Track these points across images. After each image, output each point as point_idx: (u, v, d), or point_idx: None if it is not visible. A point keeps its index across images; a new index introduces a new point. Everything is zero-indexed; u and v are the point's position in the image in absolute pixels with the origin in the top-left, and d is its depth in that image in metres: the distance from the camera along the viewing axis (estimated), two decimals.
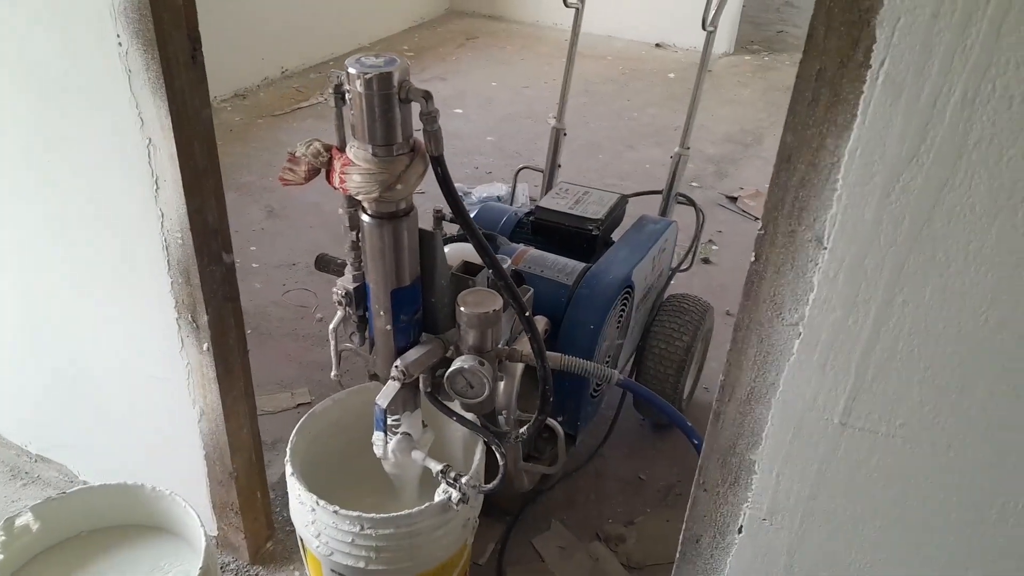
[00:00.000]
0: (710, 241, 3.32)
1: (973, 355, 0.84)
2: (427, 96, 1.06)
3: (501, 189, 3.43)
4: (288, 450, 1.41)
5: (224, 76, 4.39)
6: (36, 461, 1.94)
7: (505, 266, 1.54)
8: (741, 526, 1.08)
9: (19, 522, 1.27)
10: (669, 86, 5.02)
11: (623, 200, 2.02)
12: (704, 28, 1.96)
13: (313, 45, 4.99)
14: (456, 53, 5.61)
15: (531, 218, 1.98)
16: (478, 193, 3.41)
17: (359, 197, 1.15)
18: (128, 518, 1.36)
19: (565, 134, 2.37)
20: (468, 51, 5.69)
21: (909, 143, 0.77)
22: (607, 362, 1.79)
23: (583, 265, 1.74)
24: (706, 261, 3.16)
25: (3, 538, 1.25)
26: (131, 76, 1.20)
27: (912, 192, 0.79)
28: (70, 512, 1.32)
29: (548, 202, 1.97)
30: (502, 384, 1.51)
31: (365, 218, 1.18)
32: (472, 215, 2.07)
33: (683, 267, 2.21)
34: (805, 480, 1.00)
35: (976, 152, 0.75)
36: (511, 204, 2.70)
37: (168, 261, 1.37)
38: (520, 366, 1.46)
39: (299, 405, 2.24)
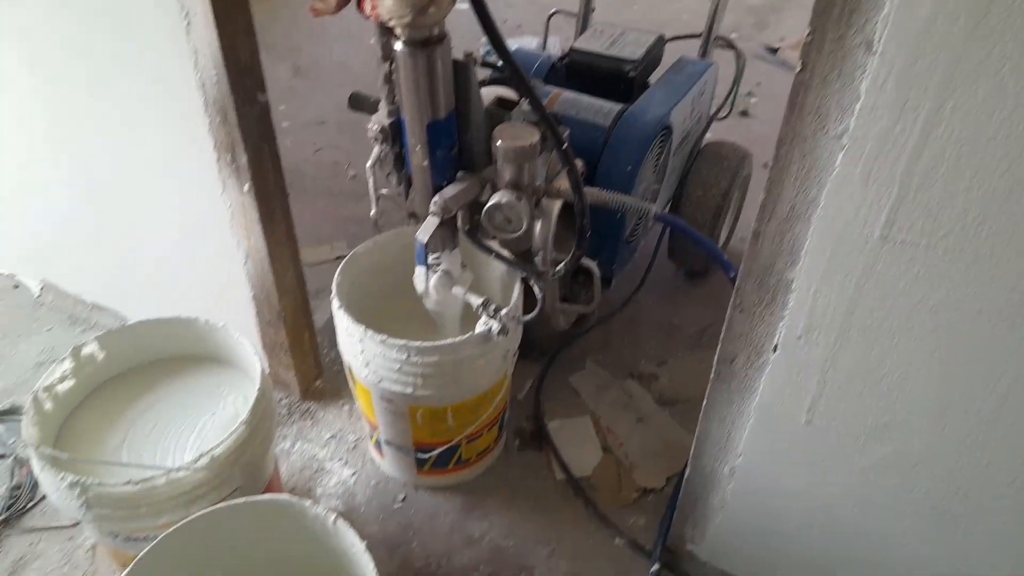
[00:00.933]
0: (749, 93, 3.22)
1: (1023, 157, 0.82)
2: None
3: (532, 43, 3.32)
4: (333, 287, 1.46)
5: None
6: (92, 309, 2.04)
7: None
8: (776, 345, 1.11)
9: (86, 351, 1.34)
10: None
11: (661, 41, 1.95)
12: None
13: None
14: None
15: (565, 61, 1.93)
16: (508, 46, 3.30)
17: (391, 23, 1.13)
18: (185, 349, 1.43)
19: None
20: None
21: None
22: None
23: (620, 106, 1.71)
24: (744, 114, 3.08)
25: (72, 365, 1.33)
26: None
27: None
28: (131, 342, 1.40)
29: (583, 43, 1.91)
30: (539, 224, 1.53)
31: (398, 46, 1.17)
32: None
33: (722, 114, 2.15)
34: (843, 296, 1.02)
35: None
36: (543, 49, 2.61)
37: (205, 100, 1.37)
38: (557, 205, 1.46)
39: (338, 257, 2.29)
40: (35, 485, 1.63)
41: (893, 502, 1.18)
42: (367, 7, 1.14)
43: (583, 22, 2.26)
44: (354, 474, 1.68)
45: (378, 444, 1.62)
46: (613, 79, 1.85)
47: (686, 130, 1.90)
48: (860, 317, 1.02)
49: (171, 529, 1.07)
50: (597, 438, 1.75)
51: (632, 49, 1.88)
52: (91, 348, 1.35)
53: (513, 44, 3.34)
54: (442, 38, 1.17)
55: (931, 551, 1.20)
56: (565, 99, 1.74)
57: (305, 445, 1.74)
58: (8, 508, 1.60)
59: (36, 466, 1.18)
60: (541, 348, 1.90)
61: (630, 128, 1.65)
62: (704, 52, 2.08)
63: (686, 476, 1.38)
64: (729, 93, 2.15)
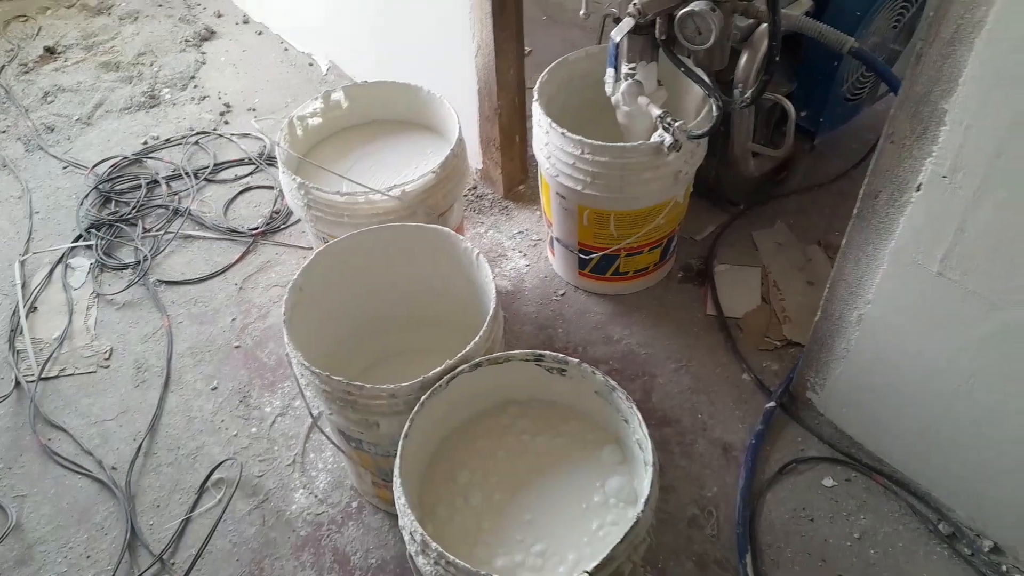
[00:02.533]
0: None
1: None
2: None
3: None
4: (538, 83, 1.62)
5: None
6: None
7: None
8: (920, 184, 1.10)
9: (334, 97, 1.65)
10: None
11: None
12: None
13: None
14: None
15: None
16: None
17: None
18: (409, 115, 1.69)
19: None
20: None
21: None
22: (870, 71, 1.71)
23: None
24: None
25: (321, 105, 1.65)
26: None
27: None
28: (369, 98, 1.68)
29: None
30: (744, 56, 1.55)
31: None
32: None
33: None
34: (994, 136, 0.98)
35: None
36: None
37: None
38: (765, 41, 1.47)
39: None
40: (289, 213, 2.05)
41: (1009, 377, 1.14)
42: None
43: None
44: (528, 265, 1.90)
45: (552, 243, 1.80)
46: None
47: None
48: (1008, 162, 0.98)
49: (349, 234, 1.34)
50: (760, 289, 1.79)
51: None
52: (338, 95, 1.66)
53: None
54: None
55: None
56: None
57: (496, 234, 1.98)
58: (268, 224, 2.04)
59: (281, 169, 1.52)
60: (731, 197, 1.93)
61: None
62: None
63: (816, 319, 1.40)
64: None
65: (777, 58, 1.33)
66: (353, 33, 2.26)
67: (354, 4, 2.15)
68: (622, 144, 1.47)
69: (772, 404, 1.54)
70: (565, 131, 1.50)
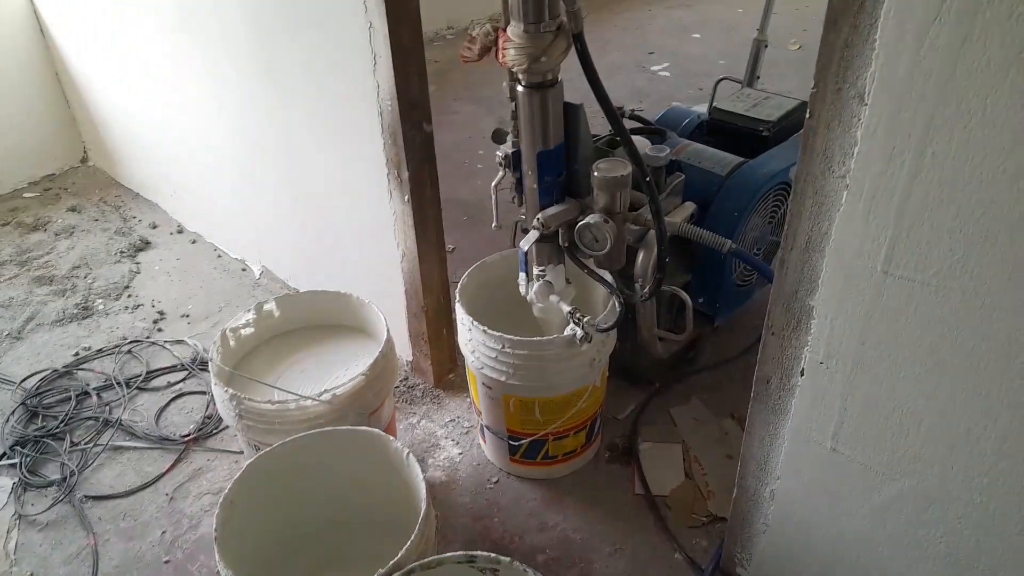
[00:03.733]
0: None
1: (995, 205, 0.92)
2: None
3: (701, 108, 3.48)
4: (459, 285, 1.75)
5: (481, 1, 4.83)
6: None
7: (663, 155, 1.74)
8: (803, 369, 1.22)
9: (266, 307, 1.74)
10: None
11: (803, 106, 2.07)
12: None
13: None
14: None
15: (707, 119, 2.11)
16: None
17: (512, 68, 1.41)
18: (338, 319, 1.79)
19: (767, 46, 2.42)
20: None
21: (933, 2, 0.87)
22: (756, 253, 1.91)
23: (739, 159, 1.86)
24: None
25: (254, 316, 1.73)
26: None
27: (938, 48, 0.89)
28: (301, 306, 1.78)
29: (725, 104, 2.09)
30: (641, 254, 1.72)
31: (519, 88, 1.44)
32: (660, 116, 2.26)
33: None
34: (855, 326, 1.12)
35: (990, 9, 0.83)
36: (710, 108, 2.79)
37: (382, 125, 1.74)
38: (655, 238, 1.65)
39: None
40: (220, 419, 2.07)
41: (910, 544, 1.22)
42: (500, 55, 1.44)
43: (749, 84, 2.43)
44: (461, 453, 1.94)
45: (482, 430, 1.87)
46: (747, 138, 2.00)
47: None
48: (871, 349, 1.12)
49: (280, 442, 1.38)
50: (683, 465, 1.86)
51: (770, 111, 2.02)
52: (270, 306, 1.75)
53: (701, 108, 3.54)
54: (554, 83, 1.43)
55: None
56: (691, 150, 1.92)
57: (429, 424, 2.03)
58: (199, 430, 2.04)
59: (213, 381, 1.57)
60: (647, 376, 2.05)
61: (744, 179, 1.80)
62: None
63: (734, 495, 1.48)
64: None
65: (667, 260, 1.49)
66: (284, 240, 2.39)
67: (284, 214, 2.30)
68: (539, 339, 1.59)
69: None
70: (486, 328, 1.61)
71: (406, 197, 1.81)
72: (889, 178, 0.99)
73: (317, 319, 1.81)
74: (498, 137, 1.74)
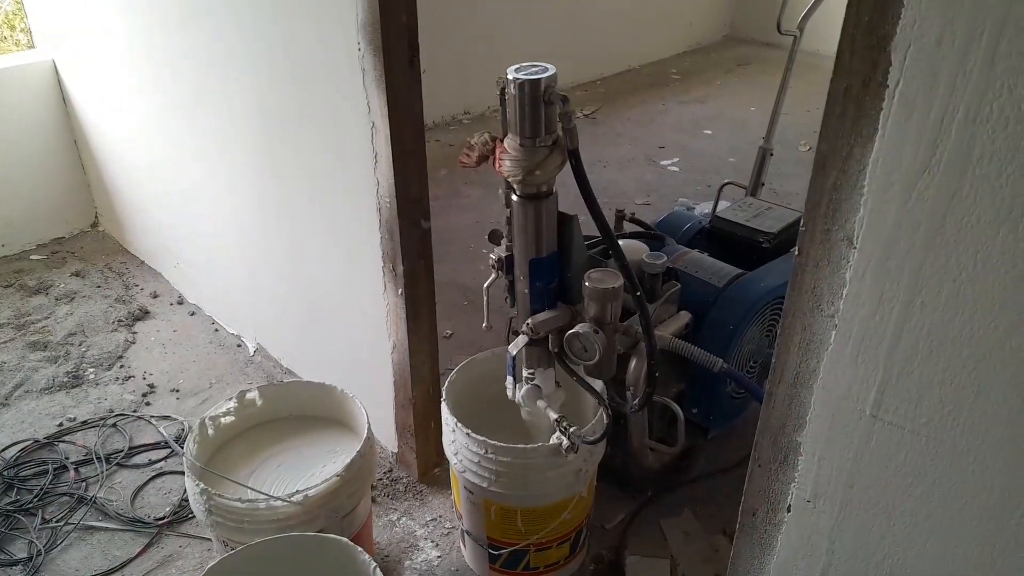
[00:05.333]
0: None
1: (986, 360, 0.89)
2: (564, 99, 1.30)
3: (706, 208, 3.51)
4: (446, 383, 1.72)
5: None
6: (286, 374, 2.48)
7: (659, 262, 1.73)
8: (789, 505, 1.18)
9: (248, 396, 1.71)
10: None
11: None
12: (779, 31, 1.98)
13: (586, 64, 5.37)
14: (723, 78, 5.67)
15: (709, 227, 2.11)
16: (700, 209, 3.53)
17: (508, 179, 1.41)
18: (322, 411, 1.75)
19: (772, 155, 2.45)
20: (736, 76, 5.73)
21: (922, 155, 0.86)
22: (751, 368, 1.87)
23: (737, 271, 1.85)
24: None
25: (235, 405, 1.70)
26: (364, 73, 1.58)
27: (926, 200, 0.87)
28: (284, 397, 1.75)
29: (727, 213, 2.09)
30: (633, 362, 1.69)
31: (514, 198, 1.45)
32: (661, 219, 2.26)
33: None
34: (843, 467, 1.08)
35: (979, 167, 0.82)
36: (713, 211, 2.80)
37: (380, 220, 1.75)
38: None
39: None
40: None
41: None
42: (496, 164, 1.45)
43: (751, 195, 2.44)
44: (440, 557, 1.87)
45: (463, 534, 1.81)
46: (748, 248, 2.00)
47: None
48: (859, 492, 1.08)
49: (246, 546, 1.33)
50: None
51: (771, 223, 2.02)
52: (252, 394, 1.72)
53: (706, 207, 3.57)
54: (549, 194, 1.43)
55: None
56: (691, 258, 1.91)
57: (409, 522, 1.97)
58: (175, 513, 1.99)
59: (186, 472, 1.53)
60: (638, 485, 1.99)
61: (741, 292, 1.79)
62: None
63: None
64: None
65: (657, 374, 1.46)
66: (280, 320, 2.38)
67: (282, 295, 2.29)
68: (523, 446, 1.55)
69: None
70: (469, 431, 1.57)
71: (400, 290, 1.80)
72: (878, 323, 0.97)
73: (300, 410, 1.77)
74: (494, 238, 1.73)
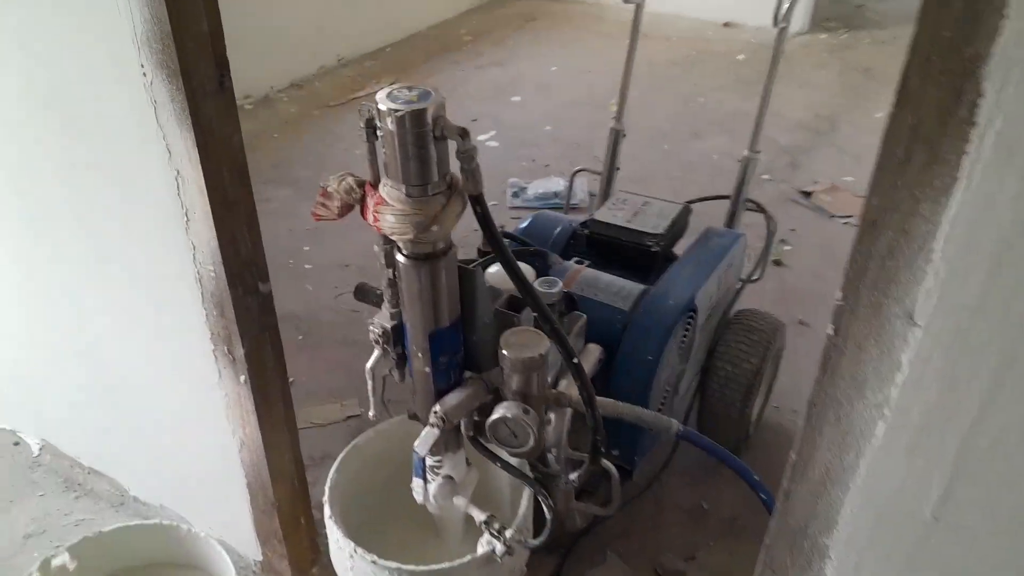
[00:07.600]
0: (782, 241, 3.13)
1: None
2: (463, 133, 0.97)
3: (558, 184, 3.31)
4: (327, 488, 1.36)
5: (280, 66, 4.40)
6: (89, 473, 1.95)
7: (555, 289, 1.45)
8: None
9: (56, 562, 1.25)
10: (738, 69, 4.78)
11: (686, 210, 1.89)
12: (776, 24, 1.80)
13: (369, 31, 4.93)
14: (514, 37, 5.47)
15: (586, 232, 1.87)
16: (534, 188, 3.31)
17: (393, 238, 1.07)
18: (164, 556, 1.33)
19: (624, 135, 2.25)
20: (527, 34, 5.55)
21: (1021, 213, 0.64)
22: (667, 392, 1.67)
23: (641, 288, 1.63)
24: (778, 263, 2.99)
25: None
26: (157, 107, 1.14)
27: None
28: (106, 550, 1.30)
29: (604, 215, 1.85)
30: (552, 423, 1.42)
31: (401, 258, 1.10)
32: (524, 225, 1.98)
33: (753, 277, 2.07)
34: (890, 574, 0.88)
35: None
36: (567, 203, 2.58)
37: (202, 294, 1.32)
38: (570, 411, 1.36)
39: (348, 417, 2.20)
40: None
41: None
42: (370, 217, 1.09)
43: (607, 182, 2.23)
44: None
45: None
46: (635, 254, 1.78)
47: (713, 305, 1.80)
48: None
49: None
50: None
51: (655, 221, 1.81)
52: (61, 559, 1.26)
53: (539, 186, 3.34)
54: (447, 250, 1.10)
55: None
56: (584, 278, 1.66)
57: None
58: None
59: None
60: (557, 541, 1.75)
61: (652, 313, 1.57)
62: (731, 220, 2.02)
63: None
64: (760, 258, 2.07)
65: (603, 449, 1.21)
66: (71, 402, 1.85)
67: (76, 379, 1.76)
68: (448, 565, 1.23)
69: None
70: (376, 559, 1.23)
71: (242, 378, 1.39)
72: (949, 412, 0.76)
73: (132, 559, 1.34)
74: (363, 295, 1.37)
